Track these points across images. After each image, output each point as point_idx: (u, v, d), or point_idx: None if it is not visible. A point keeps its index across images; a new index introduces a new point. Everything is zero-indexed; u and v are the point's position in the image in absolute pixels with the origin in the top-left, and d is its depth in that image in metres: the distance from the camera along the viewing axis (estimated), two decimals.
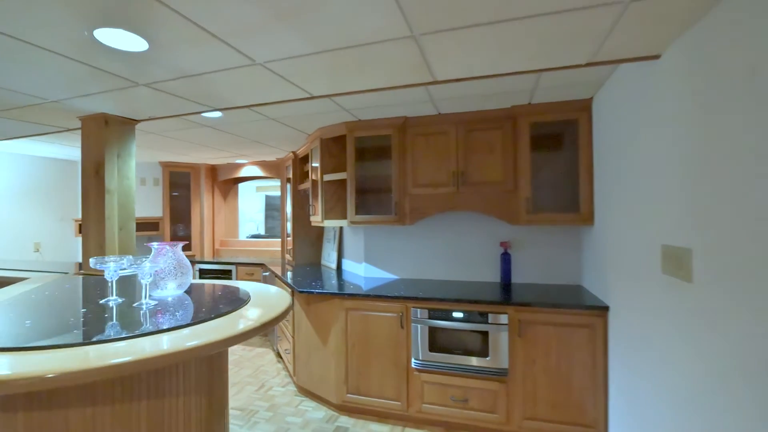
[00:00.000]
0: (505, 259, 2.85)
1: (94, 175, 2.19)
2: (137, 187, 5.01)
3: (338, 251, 3.82)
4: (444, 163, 2.75)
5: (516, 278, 2.92)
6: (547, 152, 2.81)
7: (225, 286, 1.91)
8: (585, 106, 2.43)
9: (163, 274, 1.58)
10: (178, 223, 5.09)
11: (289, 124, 2.99)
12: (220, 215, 5.37)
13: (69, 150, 4.14)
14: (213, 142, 3.69)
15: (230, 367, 3.63)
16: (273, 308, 1.48)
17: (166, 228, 4.90)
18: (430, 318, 2.45)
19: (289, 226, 4.44)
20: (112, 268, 1.45)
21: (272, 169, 4.95)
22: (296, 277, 3.29)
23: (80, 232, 4.54)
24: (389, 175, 2.94)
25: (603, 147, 2.23)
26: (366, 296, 2.58)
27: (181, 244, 1.63)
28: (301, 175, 4.18)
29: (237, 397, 3.02)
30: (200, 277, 4.76)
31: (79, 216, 4.81)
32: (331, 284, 2.94)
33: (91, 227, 2.21)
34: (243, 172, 5.09)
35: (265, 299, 1.64)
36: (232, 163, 5.13)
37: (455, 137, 2.72)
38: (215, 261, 4.69)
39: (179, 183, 5.08)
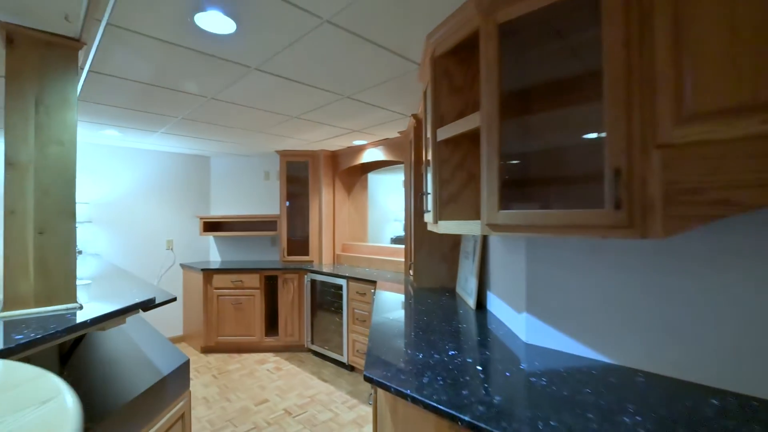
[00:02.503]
0: None
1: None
2: (260, 182, 4.51)
3: (479, 277, 2.14)
4: None
5: None
6: None
7: None
8: None
9: None
10: (296, 222, 4.36)
11: (360, 32, 1.53)
12: (342, 213, 4.39)
13: (201, 144, 3.83)
14: (293, 105, 2.59)
15: None
16: None
17: (283, 228, 4.21)
18: None
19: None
20: None
21: (396, 149, 3.62)
22: (400, 317, 1.81)
23: (204, 230, 4.28)
24: (583, 106, 1.11)
25: None
26: None
27: None
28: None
29: None
30: (311, 290, 3.84)
31: (207, 213, 4.62)
32: (448, 357, 1.32)
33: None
34: (365, 158, 3.94)
35: None
36: (353, 147, 4.06)
37: None
38: (327, 272, 3.67)
39: (297, 176, 4.33)
